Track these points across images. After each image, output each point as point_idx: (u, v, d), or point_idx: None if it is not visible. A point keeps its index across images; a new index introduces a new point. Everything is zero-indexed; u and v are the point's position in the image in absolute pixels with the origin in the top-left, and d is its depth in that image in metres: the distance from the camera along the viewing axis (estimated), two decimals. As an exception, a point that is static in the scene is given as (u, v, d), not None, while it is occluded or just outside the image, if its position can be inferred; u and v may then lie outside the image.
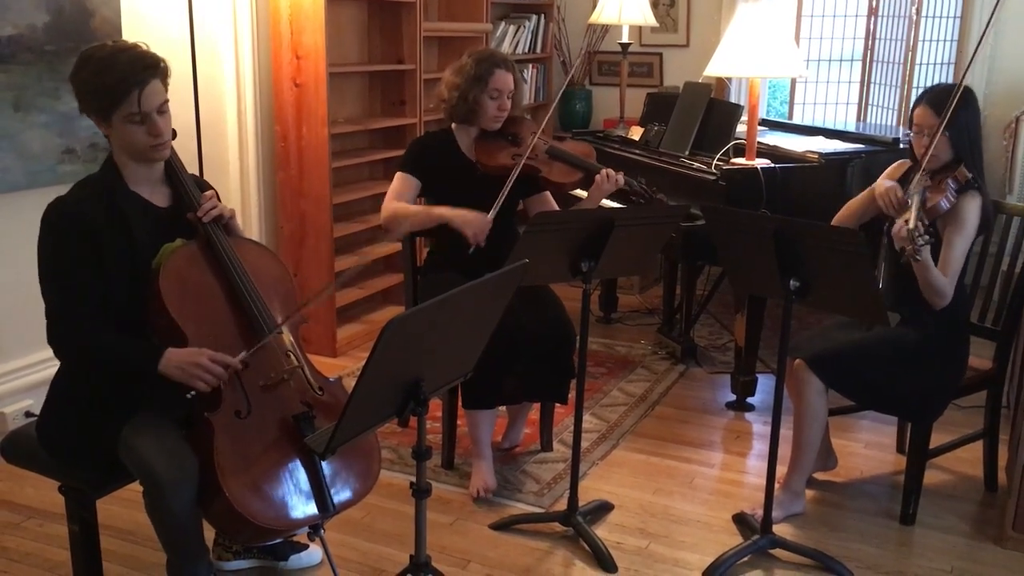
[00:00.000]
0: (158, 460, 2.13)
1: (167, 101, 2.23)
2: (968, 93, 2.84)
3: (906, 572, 2.75)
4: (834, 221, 3.07)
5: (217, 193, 2.44)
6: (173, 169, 2.34)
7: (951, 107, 2.72)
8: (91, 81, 2.16)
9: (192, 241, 2.30)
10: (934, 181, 2.79)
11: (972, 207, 2.78)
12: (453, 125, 3.23)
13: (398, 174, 3.15)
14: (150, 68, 2.18)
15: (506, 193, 3.03)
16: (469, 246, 2.99)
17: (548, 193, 3.30)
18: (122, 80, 2.14)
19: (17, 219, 3.26)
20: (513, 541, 2.88)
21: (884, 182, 2.88)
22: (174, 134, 2.31)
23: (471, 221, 3.00)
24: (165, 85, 2.23)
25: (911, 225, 2.57)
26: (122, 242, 2.21)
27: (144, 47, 2.23)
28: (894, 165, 3.04)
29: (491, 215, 3.01)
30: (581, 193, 3.35)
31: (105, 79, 2.14)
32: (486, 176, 3.12)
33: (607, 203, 3.41)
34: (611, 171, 3.13)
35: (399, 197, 3.13)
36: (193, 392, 2.14)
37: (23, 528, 2.92)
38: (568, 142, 3.49)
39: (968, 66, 3.14)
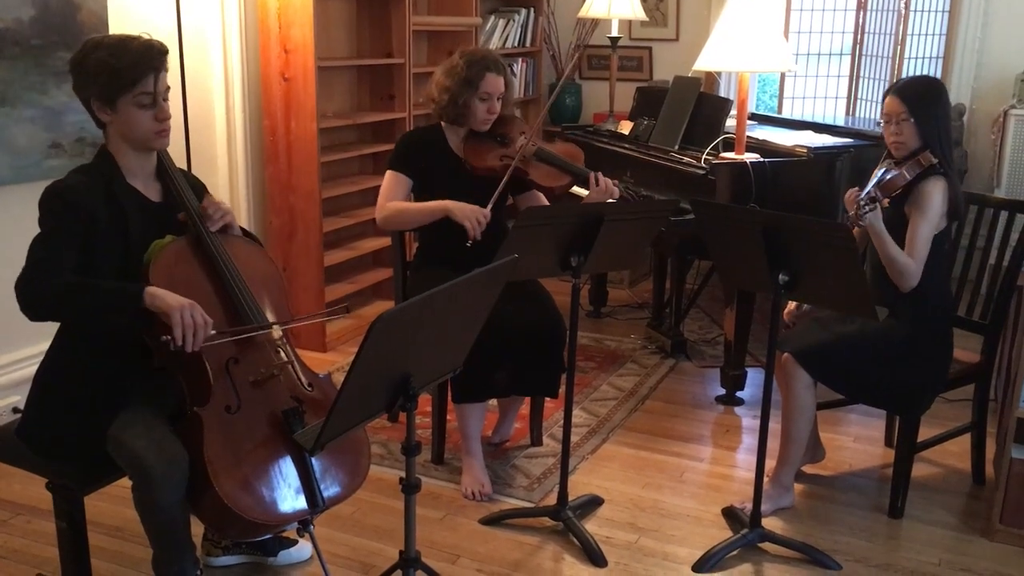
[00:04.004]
0: (148, 452, 2.12)
1: (170, 88, 2.26)
2: (938, 84, 2.95)
3: (894, 565, 2.76)
4: None
5: (210, 194, 2.43)
6: (163, 165, 2.33)
7: (918, 96, 2.84)
8: (107, 62, 2.15)
9: (182, 237, 2.29)
10: (899, 166, 2.87)
11: (935, 190, 2.82)
12: (442, 123, 3.22)
13: (388, 173, 3.12)
14: (164, 54, 2.22)
15: (499, 191, 3.02)
16: (468, 239, 2.97)
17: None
18: (139, 62, 2.16)
19: (3, 214, 3.24)
20: (503, 536, 2.88)
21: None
22: None
23: (469, 214, 2.97)
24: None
25: (861, 193, 2.75)
26: (117, 234, 2.20)
27: (147, 36, 2.25)
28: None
29: (489, 207, 2.99)
30: (580, 191, 3.33)
31: (123, 60, 2.15)
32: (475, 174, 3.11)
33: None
34: (608, 181, 3.08)
35: (393, 196, 3.10)
36: (169, 336, 2.06)
37: (10, 525, 2.91)
38: (557, 143, 3.48)
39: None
